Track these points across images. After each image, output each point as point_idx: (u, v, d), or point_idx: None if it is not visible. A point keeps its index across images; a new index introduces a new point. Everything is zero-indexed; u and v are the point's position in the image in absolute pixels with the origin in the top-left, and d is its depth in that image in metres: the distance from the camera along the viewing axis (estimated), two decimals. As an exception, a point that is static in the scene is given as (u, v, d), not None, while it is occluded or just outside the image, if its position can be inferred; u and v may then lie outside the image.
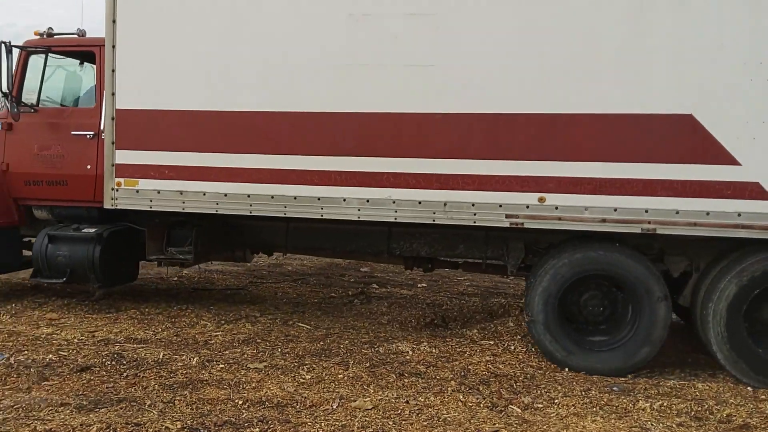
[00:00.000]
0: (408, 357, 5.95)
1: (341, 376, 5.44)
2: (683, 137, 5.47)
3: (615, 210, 5.61)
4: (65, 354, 5.78)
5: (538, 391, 5.18)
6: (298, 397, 4.92)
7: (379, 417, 4.61)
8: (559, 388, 5.27)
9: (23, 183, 7.46)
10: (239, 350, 6.03)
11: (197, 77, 6.35)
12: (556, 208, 5.70)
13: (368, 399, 4.93)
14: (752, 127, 5.35)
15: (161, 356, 5.76)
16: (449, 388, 5.18)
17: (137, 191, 6.57)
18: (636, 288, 5.79)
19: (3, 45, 7.05)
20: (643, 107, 5.52)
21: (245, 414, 4.59)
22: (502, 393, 5.12)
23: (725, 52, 5.36)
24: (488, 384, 5.31)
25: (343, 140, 6.08)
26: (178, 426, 4.33)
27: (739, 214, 5.41)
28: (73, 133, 7.28)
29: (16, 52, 7.25)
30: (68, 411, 4.56)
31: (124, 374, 5.35)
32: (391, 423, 4.52)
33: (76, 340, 6.23)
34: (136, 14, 6.45)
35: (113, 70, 6.54)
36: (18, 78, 7.38)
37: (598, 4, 5.55)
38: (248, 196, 6.31)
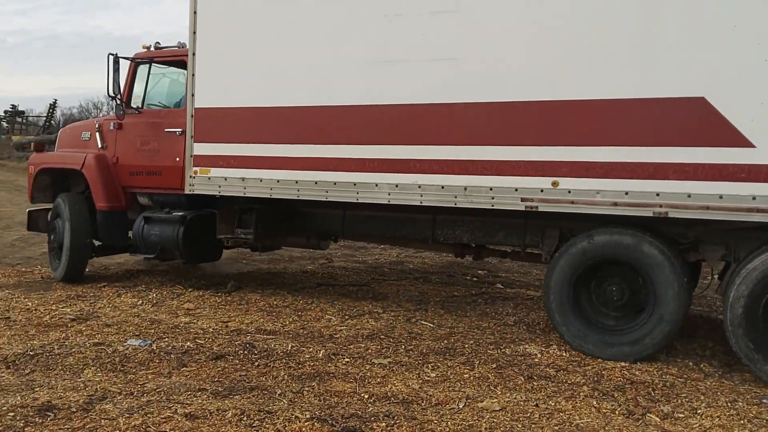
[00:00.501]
0: (536, 359, 5.81)
1: (467, 375, 5.37)
2: (695, 120, 5.40)
3: (626, 193, 5.63)
4: (201, 342, 6.02)
5: (679, 400, 4.92)
6: (423, 395, 4.89)
7: (508, 419, 4.52)
8: (702, 397, 4.98)
9: (128, 173, 8.57)
10: (363, 345, 6.08)
11: (256, 78, 7.18)
12: (569, 191, 5.82)
13: (495, 400, 4.84)
14: (765, 107, 5.18)
15: (289, 348, 5.89)
16: (581, 393, 5.01)
17: (209, 178, 7.50)
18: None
19: (111, 57, 8.20)
20: (654, 91, 5.52)
21: (371, 408, 4.61)
22: (639, 400, 4.90)
23: (738, 32, 5.22)
24: (623, 390, 5.10)
25: (376, 130, 6.58)
26: (307, 416, 4.40)
27: (754, 198, 5.22)
28: (166, 130, 8.23)
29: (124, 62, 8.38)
30: (205, 396, 4.74)
31: (256, 363, 5.51)
32: (520, 426, 4.41)
33: (211, 330, 6.48)
34: (210, 27, 7.41)
35: (193, 75, 7.55)
36: (128, 84, 8.62)
37: (587, 9, 5.66)
38: (296, 182, 6.99)
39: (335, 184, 6.78)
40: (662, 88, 5.48)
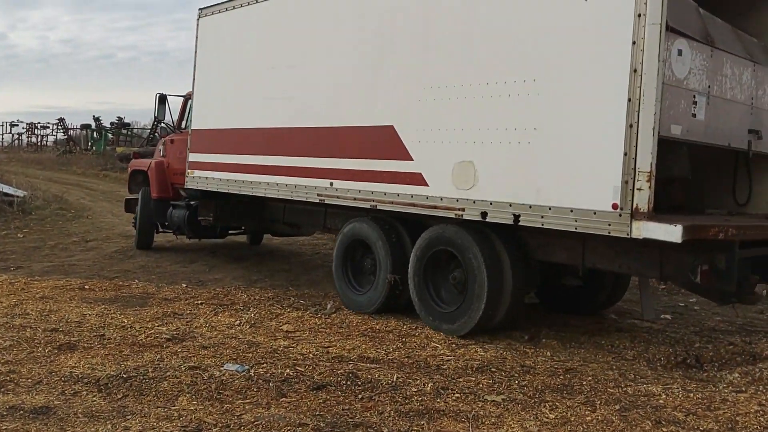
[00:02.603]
0: (661, 401, 5.24)
1: (589, 418, 4.87)
2: (388, 141, 7.53)
3: (359, 192, 7.86)
4: (302, 369, 5.69)
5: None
6: (543, 439, 4.44)
7: (640, 472, 4.01)
8: None
9: (173, 174, 11.99)
10: (474, 378, 5.63)
11: (214, 110, 10.61)
12: (337, 189, 8.17)
13: (624, 449, 4.33)
14: (419, 133, 7.26)
15: (395, 379, 5.50)
16: (718, 444, 4.44)
17: (194, 177, 10.90)
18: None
19: (157, 95, 12.51)
20: (371, 121, 7.79)
21: (486, 453, 4.18)
22: (784, 454, 4.30)
23: (408, 80, 7.39)
24: (765, 441, 4.50)
25: (262, 145, 9.43)
26: (418, 461, 4.00)
27: (412, 196, 7.29)
28: (188, 144, 11.18)
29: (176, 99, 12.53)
30: (306, 432, 4.41)
31: (359, 396, 5.14)
32: (654, 480, 3.90)
33: (311, 355, 6.16)
34: (199, 76, 10.96)
35: (191, 108, 11.32)
36: (180, 113, 12.29)
37: (345, 67, 8.18)
38: (227, 180, 10.09)
39: (243, 182, 9.74)
40: (375, 119, 7.74)
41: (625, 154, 5.60)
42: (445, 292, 7.30)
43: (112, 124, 52.90)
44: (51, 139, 63.83)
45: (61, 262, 11.32)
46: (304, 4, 8.98)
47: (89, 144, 51.94)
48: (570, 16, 6.07)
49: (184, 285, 9.39)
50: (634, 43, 5.58)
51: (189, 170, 10.91)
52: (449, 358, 6.20)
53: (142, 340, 6.60)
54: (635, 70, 5.58)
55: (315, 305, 8.25)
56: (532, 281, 7.21)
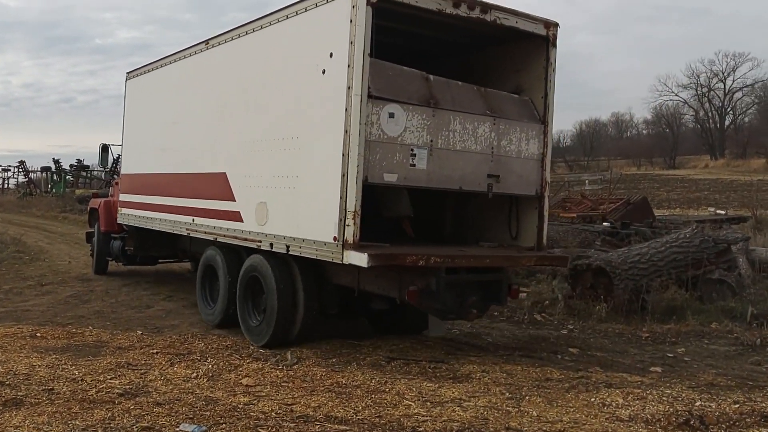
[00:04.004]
0: (661, 467, 4.78)
1: (583, 488, 4.38)
2: (222, 186, 9.18)
3: (207, 226, 9.53)
4: (264, 431, 5.13)
5: None
6: None
7: None
8: None
9: (116, 211, 13.50)
10: (454, 442, 5.11)
11: (131, 157, 12.96)
12: (196, 224, 9.86)
13: None
14: (240, 179, 8.92)
15: (367, 442, 4.97)
16: None
17: (122, 214, 12.98)
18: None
19: (101, 144, 15.87)
20: (214, 169, 9.54)
21: None
22: None
23: (236, 137, 9.14)
24: None
25: (156, 187, 11.37)
26: None
27: (234, 230, 8.84)
28: None
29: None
30: (268, 508, 3.85)
31: (328, 463, 4.61)
32: None
33: (274, 414, 5.60)
34: (126, 128, 13.26)
35: (121, 155, 13.92)
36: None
37: (201, 125, 10.11)
38: (138, 216, 12.07)
39: (147, 218, 11.66)
40: (216, 167, 9.48)
41: (341, 198, 7.06)
42: (261, 310, 8.43)
43: (71, 166, 52.06)
44: (12, 182, 62.70)
45: (15, 307, 10.69)
46: (181, 73, 10.96)
47: (49, 186, 50.90)
48: (314, 86, 7.63)
49: (140, 332, 8.81)
50: (346, 109, 7.05)
51: (119, 208, 13.03)
52: (425, 418, 5.68)
53: (92, 395, 6.03)
54: (347, 131, 7.04)
55: (275, 355, 7.72)
56: (330, 303, 8.35)
